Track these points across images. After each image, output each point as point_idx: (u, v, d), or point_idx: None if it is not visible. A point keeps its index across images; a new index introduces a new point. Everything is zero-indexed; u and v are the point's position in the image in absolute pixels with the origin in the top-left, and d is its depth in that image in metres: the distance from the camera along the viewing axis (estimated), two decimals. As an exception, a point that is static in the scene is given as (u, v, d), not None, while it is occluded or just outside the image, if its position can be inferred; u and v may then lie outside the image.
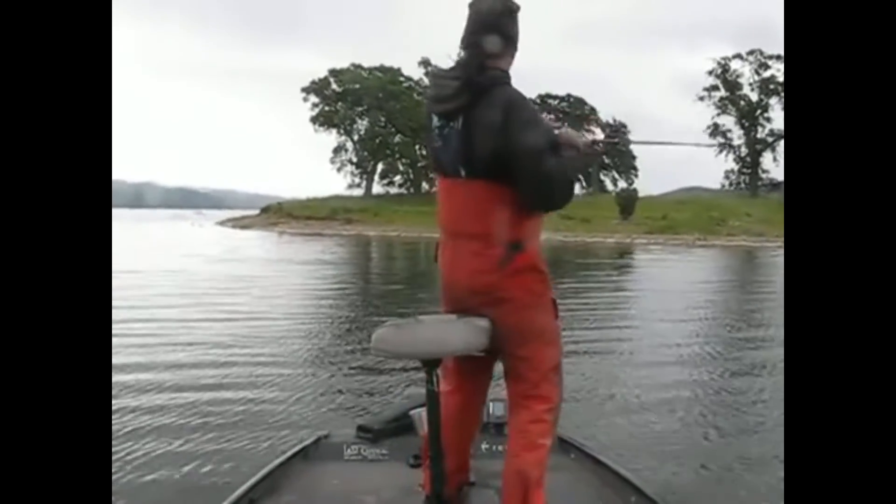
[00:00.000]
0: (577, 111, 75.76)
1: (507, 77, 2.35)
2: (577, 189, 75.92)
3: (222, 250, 29.18)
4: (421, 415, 2.91)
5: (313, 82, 67.79)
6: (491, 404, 3.22)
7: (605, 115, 76.30)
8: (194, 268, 20.70)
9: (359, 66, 68.14)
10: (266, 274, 19.62)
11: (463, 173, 2.31)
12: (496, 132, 2.22)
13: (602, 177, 77.14)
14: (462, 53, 2.36)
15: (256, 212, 66.84)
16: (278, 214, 59.94)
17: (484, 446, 3.12)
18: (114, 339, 8.67)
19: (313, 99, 67.81)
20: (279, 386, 6.77)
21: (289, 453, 3.21)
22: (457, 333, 2.31)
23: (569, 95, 76.05)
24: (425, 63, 65.35)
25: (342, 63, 69.78)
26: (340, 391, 6.66)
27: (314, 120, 67.82)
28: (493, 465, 2.63)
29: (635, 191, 55.01)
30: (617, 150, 76.07)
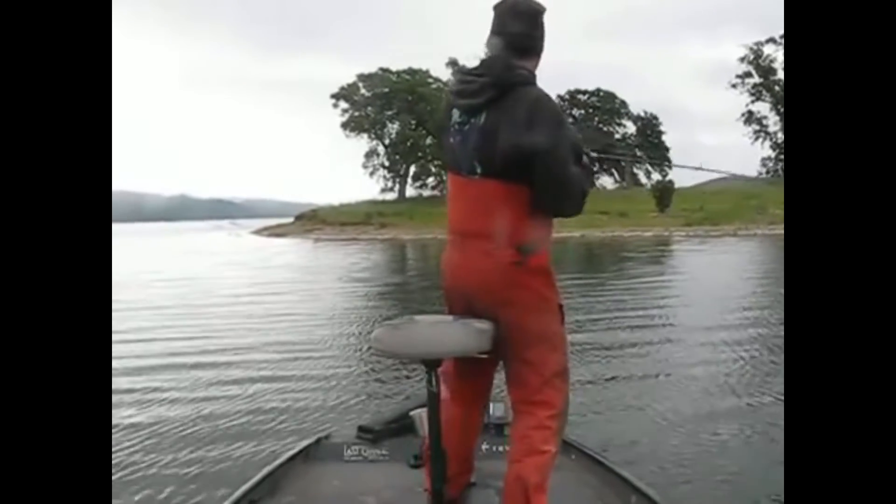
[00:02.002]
0: (607, 105, 75.25)
1: (533, 77, 2.33)
2: (611, 183, 75.53)
3: (265, 257, 29.48)
4: (421, 415, 2.97)
5: (342, 88, 68.15)
6: (491, 405, 3.20)
7: (635, 108, 75.88)
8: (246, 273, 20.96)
9: (387, 70, 68.32)
10: (316, 279, 19.86)
11: (479, 170, 2.28)
12: (519, 130, 2.19)
13: (635, 170, 76.36)
14: (487, 53, 2.36)
15: (290, 220, 67.31)
16: (313, 221, 60.28)
17: (484, 447, 3.08)
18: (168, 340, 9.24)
19: (343, 105, 68.19)
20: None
21: (289, 454, 3.19)
22: (451, 335, 2.28)
23: (598, 90, 75.51)
24: (453, 63, 65.32)
25: (370, 68, 70.09)
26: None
27: (345, 125, 68.20)
28: (494, 465, 2.61)
29: (671, 182, 54.13)
30: (650, 142, 75.50)
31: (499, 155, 2.22)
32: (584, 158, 2.39)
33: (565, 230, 40.80)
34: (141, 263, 24.74)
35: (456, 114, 2.36)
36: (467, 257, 2.35)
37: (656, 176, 70.97)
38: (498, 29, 2.33)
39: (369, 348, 8.72)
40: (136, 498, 4.16)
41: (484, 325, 2.28)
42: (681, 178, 61.62)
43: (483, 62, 2.35)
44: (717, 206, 47.41)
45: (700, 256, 25.66)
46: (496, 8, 2.35)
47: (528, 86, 2.27)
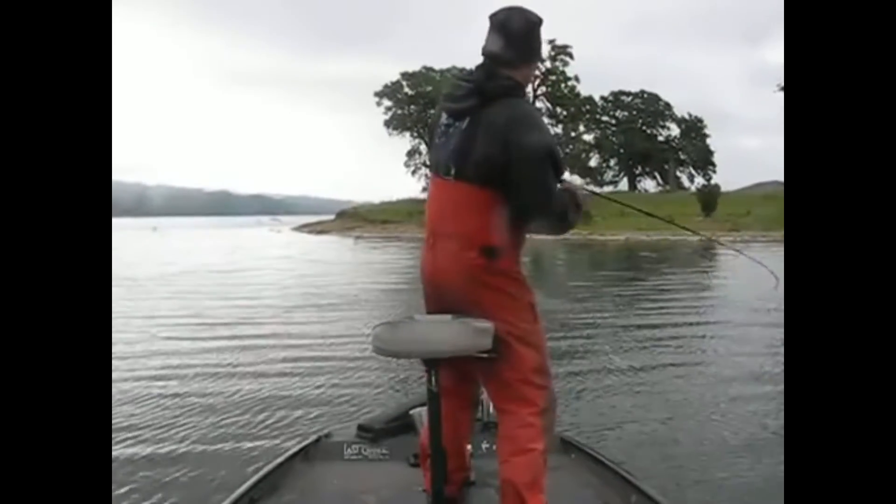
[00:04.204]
0: (651, 107, 74.43)
1: (520, 88, 2.37)
2: (654, 187, 74.64)
3: (306, 250, 29.69)
4: (421, 414, 2.96)
5: (386, 86, 68.51)
6: (491, 404, 3.12)
7: (680, 110, 74.89)
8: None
9: (430, 69, 68.50)
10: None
11: (453, 172, 2.34)
12: (496, 137, 2.23)
13: (678, 173, 75.37)
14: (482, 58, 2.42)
15: (331, 216, 67.84)
16: (354, 219, 60.70)
17: (484, 446, 3.05)
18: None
19: (386, 102, 68.49)
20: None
21: (289, 452, 3.18)
22: (451, 334, 2.28)
23: (642, 91, 74.79)
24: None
25: (414, 66, 70.30)
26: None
27: (388, 124, 68.51)
28: (494, 464, 2.58)
29: (717, 186, 53.22)
30: (693, 144, 74.35)
31: (472, 160, 2.28)
32: (578, 196, 2.40)
33: (609, 233, 40.46)
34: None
35: (444, 116, 2.42)
36: (438, 257, 2.40)
37: (700, 180, 70.02)
38: (490, 38, 2.36)
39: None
40: (136, 495, 4.17)
41: (485, 325, 2.28)
42: (726, 181, 60.58)
43: (473, 70, 2.43)
44: (765, 210, 46.38)
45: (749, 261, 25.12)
46: (491, 18, 2.38)
47: (513, 98, 2.32)
